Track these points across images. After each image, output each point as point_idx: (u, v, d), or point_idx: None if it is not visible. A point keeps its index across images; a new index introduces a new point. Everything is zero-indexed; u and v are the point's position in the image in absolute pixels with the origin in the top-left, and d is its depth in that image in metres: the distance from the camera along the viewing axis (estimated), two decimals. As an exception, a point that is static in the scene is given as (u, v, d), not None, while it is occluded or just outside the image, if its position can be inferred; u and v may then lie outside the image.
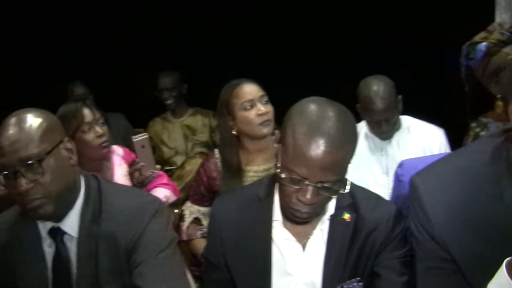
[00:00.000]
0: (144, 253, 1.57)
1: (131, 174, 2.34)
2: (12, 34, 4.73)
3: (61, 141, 1.58)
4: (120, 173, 2.48)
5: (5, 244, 1.67)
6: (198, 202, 2.54)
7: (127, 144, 2.80)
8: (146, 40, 4.85)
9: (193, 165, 3.75)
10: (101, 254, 1.58)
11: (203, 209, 2.53)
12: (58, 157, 1.54)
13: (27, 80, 4.76)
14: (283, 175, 1.46)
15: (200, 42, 4.73)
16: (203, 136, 4.06)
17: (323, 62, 4.52)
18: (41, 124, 1.53)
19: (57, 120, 1.63)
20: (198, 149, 4.06)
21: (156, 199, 1.71)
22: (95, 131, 2.37)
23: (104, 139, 2.38)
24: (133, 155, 2.56)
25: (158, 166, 2.41)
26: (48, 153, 1.51)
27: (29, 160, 1.48)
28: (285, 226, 1.64)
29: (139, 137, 2.33)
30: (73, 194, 1.62)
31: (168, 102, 4.03)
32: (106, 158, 2.49)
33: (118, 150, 2.58)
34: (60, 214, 1.60)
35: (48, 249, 1.64)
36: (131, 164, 2.33)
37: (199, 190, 2.52)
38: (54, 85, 4.32)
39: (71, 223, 1.61)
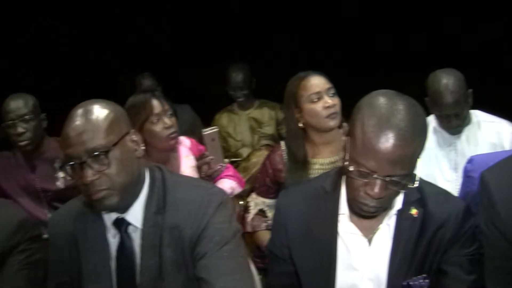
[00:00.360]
0: (208, 245, 1.56)
1: (199, 167, 2.34)
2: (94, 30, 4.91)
3: (127, 133, 1.57)
4: (187, 165, 2.51)
5: (70, 233, 1.70)
6: (263, 194, 2.56)
7: (195, 136, 2.84)
8: (216, 33, 4.88)
9: (259, 157, 3.77)
10: (165, 245, 1.58)
11: (268, 201, 2.54)
12: (124, 148, 1.54)
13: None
14: (351, 168, 1.45)
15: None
16: (270, 129, 4.07)
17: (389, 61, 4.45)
18: (108, 115, 1.53)
19: (123, 111, 1.63)
20: (264, 141, 4.07)
21: (221, 190, 1.70)
22: (164, 122, 2.37)
23: (172, 130, 2.39)
24: (200, 146, 2.59)
25: (226, 160, 2.41)
26: (115, 144, 1.51)
27: (95, 152, 1.47)
28: (351, 220, 1.63)
29: (209, 130, 2.32)
30: (138, 186, 1.61)
31: (240, 100, 4.06)
32: (174, 149, 2.51)
33: (185, 141, 2.59)
34: (124, 205, 1.60)
35: (113, 239, 1.65)
36: (200, 157, 2.33)
37: (264, 182, 2.54)
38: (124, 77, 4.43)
39: (135, 214, 1.61)
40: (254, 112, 4.11)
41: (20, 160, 2.87)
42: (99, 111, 1.52)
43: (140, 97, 2.40)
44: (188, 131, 4.04)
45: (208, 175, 2.38)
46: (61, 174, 2.80)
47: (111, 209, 1.59)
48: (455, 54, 4.01)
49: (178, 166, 2.49)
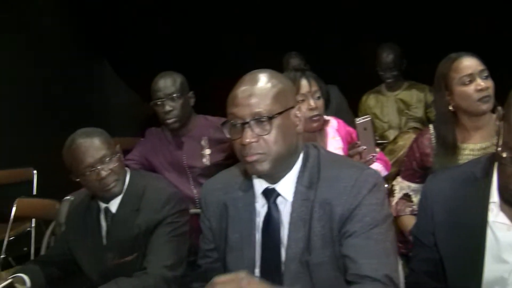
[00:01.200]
0: (358, 225, 1.55)
1: (350, 157, 2.32)
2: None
3: (292, 107, 1.61)
4: (333, 146, 2.50)
5: (221, 202, 1.77)
6: (409, 178, 2.51)
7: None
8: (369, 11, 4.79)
9: (406, 140, 3.69)
10: (315, 219, 1.58)
11: (413, 185, 2.49)
12: (286, 120, 1.57)
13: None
14: (504, 155, 1.39)
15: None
16: (418, 112, 3.96)
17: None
18: (276, 85, 1.58)
19: (292, 86, 1.69)
20: (412, 124, 3.97)
21: (376, 172, 1.68)
22: (309, 104, 2.37)
23: (315, 112, 2.38)
24: (348, 128, 2.58)
25: (378, 150, 2.36)
26: (279, 114, 1.55)
27: (260, 116, 1.53)
28: (502, 209, 1.55)
29: (362, 119, 2.26)
30: (292, 158, 1.63)
31: (388, 80, 3.98)
32: (320, 130, 2.52)
33: (332, 122, 2.59)
34: (276, 175, 1.63)
35: (261, 209, 1.69)
36: (352, 147, 2.30)
37: (410, 166, 2.48)
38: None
39: (286, 186, 1.64)
40: (402, 94, 4.02)
41: (168, 137, 2.98)
42: (270, 80, 1.58)
43: (291, 75, 2.38)
44: (334, 111, 4.05)
45: None
46: (207, 152, 2.91)
47: (262, 174, 1.63)
48: None
49: (324, 147, 2.50)
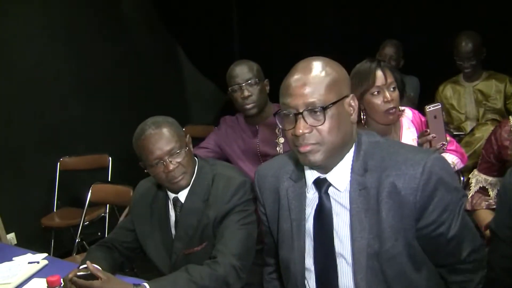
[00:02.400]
0: (444, 215, 1.54)
1: (420, 145, 2.28)
2: None
3: (346, 96, 1.57)
4: (407, 137, 2.46)
5: (274, 188, 1.79)
6: (486, 171, 2.44)
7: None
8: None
9: (484, 132, 3.59)
10: (385, 210, 1.54)
11: (490, 178, 2.43)
12: (340, 110, 1.54)
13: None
14: None
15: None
16: (497, 103, 3.82)
17: None
18: (331, 74, 1.54)
19: (346, 75, 1.62)
20: (490, 115, 3.85)
21: (441, 156, 1.63)
22: (384, 96, 2.31)
23: (391, 105, 2.31)
24: (423, 118, 2.53)
25: (449, 138, 2.30)
26: (333, 103, 1.52)
27: (313, 106, 1.51)
28: None
29: (432, 107, 2.21)
30: (346, 149, 1.60)
31: (467, 70, 3.86)
32: (395, 121, 2.48)
33: (407, 113, 2.54)
34: (329, 164, 1.60)
35: (312, 199, 1.68)
36: (422, 135, 2.25)
37: (488, 159, 2.41)
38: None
39: (338, 176, 1.61)
40: (481, 84, 3.89)
41: (242, 125, 3.01)
42: (324, 68, 1.55)
43: (366, 65, 2.35)
44: (411, 102, 4.00)
45: None
46: (281, 140, 2.91)
47: (314, 165, 1.60)
48: None
49: (398, 139, 2.47)
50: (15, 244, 4.11)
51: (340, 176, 1.61)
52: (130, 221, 2.39)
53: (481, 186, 2.45)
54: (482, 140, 3.51)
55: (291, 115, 1.54)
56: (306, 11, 5.21)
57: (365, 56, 2.43)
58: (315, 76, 1.53)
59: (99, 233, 4.27)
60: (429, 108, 2.20)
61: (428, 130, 2.21)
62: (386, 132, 2.43)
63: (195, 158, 2.27)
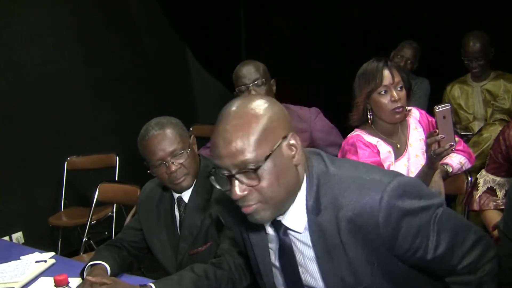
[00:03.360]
0: (405, 245, 1.44)
1: (428, 145, 2.27)
2: None
3: (284, 138, 1.39)
4: (414, 137, 2.47)
5: (241, 221, 1.65)
6: (494, 171, 2.42)
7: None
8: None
9: (492, 132, 3.58)
10: (350, 245, 1.44)
11: (498, 179, 2.41)
12: (278, 159, 1.37)
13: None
14: None
15: None
16: (505, 103, 3.80)
17: None
18: (261, 121, 1.35)
19: (280, 112, 1.43)
20: (498, 115, 3.83)
21: (398, 180, 1.44)
22: (392, 95, 2.32)
23: (398, 104, 2.32)
24: (430, 118, 2.53)
25: (457, 139, 2.29)
26: (267, 157, 1.34)
27: (244, 167, 1.34)
28: None
29: (442, 107, 2.20)
30: (294, 192, 1.46)
31: (475, 71, 3.84)
32: (402, 121, 2.47)
33: (415, 113, 2.54)
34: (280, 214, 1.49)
35: (272, 233, 1.58)
36: (430, 135, 2.25)
37: (496, 159, 2.40)
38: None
39: (294, 217, 1.49)
40: (489, 84, 3.87)
41: None
42: (251, 116, 1.36)
43: (373, 65, 2.36)
44: (418, 103, 3.99)
45: (437, 154, 2.23)
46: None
47: (264, 222, 1.50)
48: None
49: (405, 138, 2.47)
50: (23, 243, 4.13)
51: (296, 217, 1.49)
52: (137, 221, 2.40)
53: (489, 186, 2.44)
54: (490, 140, 3.50)
55: (224, 177, 1.39)
56: (313, 12, 5.20)
57: (373, 56, 2.43)
58: (242, 130, 1.34)
59: (106, 233, 4.29)
60: (438, 108, 2.18)
61: (437, 131, 2.20)
62: (393, 131, 2.43)
63: (199, 158, 2.28)
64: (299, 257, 1.55)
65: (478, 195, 2.46)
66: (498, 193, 2.41)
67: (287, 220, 1.50)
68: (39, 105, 4.35)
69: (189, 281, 1.93)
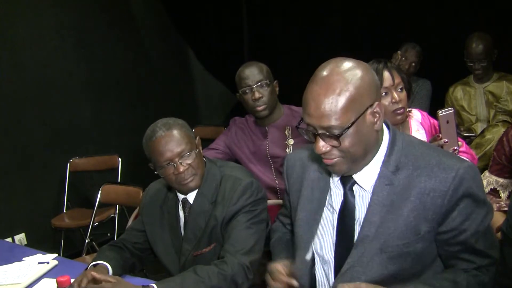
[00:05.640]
0: (454, 223, 1.54)
1: None
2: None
3: (370, 105, 1.51)
4: (416, 139, 2.46)
5: (300, 177, 1.80)
6: (497, 173, 2.43)
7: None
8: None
9: (494, 133, 3.57)
10: (408, 209, 1.54)
11: (502, 180, 2.41)
12: (361, 125, 1.50)
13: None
14: None
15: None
16: (508, 104, 3.80)
17: None
18: (349, 90, 1.47)
19: (370, 81, 1.53)
20: (501, 117, 3.82)
21: (474, 166, 1.60)
22: (392, 97, 2.30)
23: (399, 106, 2.30)
24: (432, 120, 2.52)
25: (460, 143, 2.29)
26: (352, 123, 1.48)
27: (329, 130, 1.49)
28: None
29: (445, 112, 2.20)
30: (371, 154, 1.59)
31: (477, 72, 3.84)
32: (403, 123, 2.47)
33: (416, 115, 2.53)
34: (356, 169, 1.61)
35: (337, 192, 1.68)
36: (433, 139, 2.24)
37: (499, 161, 2.40)
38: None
39: (366, 175, 1.61)
40: (492, 86, 3.87)
41: (252, 126, 3.02)
42: (343, 85, 1.47)
43: (373, 67, 2.32)
44: (421, 105, 3.99)
45: None
46: (291, 142, 2.90)
47: (341, 174, 1.63)
48: None
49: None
50: (25, 245, 4.13)
51: (367, 176, 1.61)
52: (141, 222, 2.40)
53: (492, 187, 2.44)
54: (493, 141, 3.49)
55: (310, 132, 1.55)
56: (315, 13, 5.20)
57: (375, 58, 2.43)
58: (332, 96, 1.47)
59: (108, 234, 4.28)
60: (442, 112, 2.18)
61: (441, 135, 2.20)
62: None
63: (204, 159, 2.27)
64: (356, 215, 1.63)
65: (481, 196, 2.45)
66: (502, 194, 2.41)
67: (358, 176, 1.62)
68: (41, 106, 4.35)
69: (191, 283, 1.93)
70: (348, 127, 1.48)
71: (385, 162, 1.59)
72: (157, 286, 1.91)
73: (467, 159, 1.61)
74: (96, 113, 4.80)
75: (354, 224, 1.63)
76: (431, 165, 1.54)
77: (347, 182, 1.64)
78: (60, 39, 4.52)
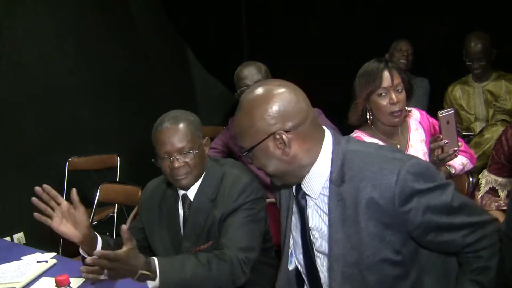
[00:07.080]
0: (416, 220, 1.53)
1: (432, 150, 2.27)
2: None
3: (271, 134, 1.55)
4: (415, 139, 2.46)
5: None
6: (496, 172, 2.43)
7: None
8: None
9: (493, 133, 3.58)
10: (364, 219, 1.54)
11: (500, 179, 2.41)
12: (261, 152, 1.58)
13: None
14: None
15: None
16: (507, 104, 3.80)
17: None
18: (251, 118, 1.56)
19: (282, 105, 1.54)
20: (500, 116, 3.82)
21: (417, 160, 1.59)
22: (390, 98, 2.32)
23: (396, 108, 2.33)
24: (431, 119, 2.52)
25: (460, 143, 2.29)
26: (251, 149, 1.58)
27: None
28: None
29: (445, 112, 2.19)
30: (303, 169, 1.60)
31: (476, 71, 3.84)
32: (402, 122, 2.47)
33: (415, 114, 2.54)
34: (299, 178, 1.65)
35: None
36: (433, 140, 2.24)
37: (498, 160, 2.40)
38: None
39: (311, 185, 1.62)
40: (490, 85, 3.87)
41: None
42: (247, 111, 1.58)
43: (374, 66, 2.36)
44: (419, 103, 3.99)
45: (440, 159, 2.24)
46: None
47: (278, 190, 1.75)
48: None
49: (406, 140, 2.46)
50: (24, 243, 4.12)
51: (313, 185, 1.61)
52: (139, 220, 2.40)
53: (491, 187, 2.44)
54: (492, 141, 3.49)
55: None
56: (315, 13, 5.20)
57: (373, 57, 2.43)
58: (238, 121, 1.63)
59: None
60: (442, 113, 2.18)
61: (441, 136, 2.20)
62: (393, 132, 2.43)
63: (208, 158, 2.28)
64: (317, 221, 1.65)
65: (480, 195, 2.46)
66: (500, 193, 2.41)
67: (305, 185, 1.63)
68: (40, 105, 4.34)
69: (191, 265, 1.94)
70: (249, 150, 1.59)
71: (331, 177, 1.58)
72: (158, 260, 1.90)
73: (413, 156, 1.59)
74: (95, 112, 4.79)
75: (306, 229, 1.68)
76: (374, 173, 1.52)
77: (298, 191, 1.68)
78: (59, 39, 4.51)
